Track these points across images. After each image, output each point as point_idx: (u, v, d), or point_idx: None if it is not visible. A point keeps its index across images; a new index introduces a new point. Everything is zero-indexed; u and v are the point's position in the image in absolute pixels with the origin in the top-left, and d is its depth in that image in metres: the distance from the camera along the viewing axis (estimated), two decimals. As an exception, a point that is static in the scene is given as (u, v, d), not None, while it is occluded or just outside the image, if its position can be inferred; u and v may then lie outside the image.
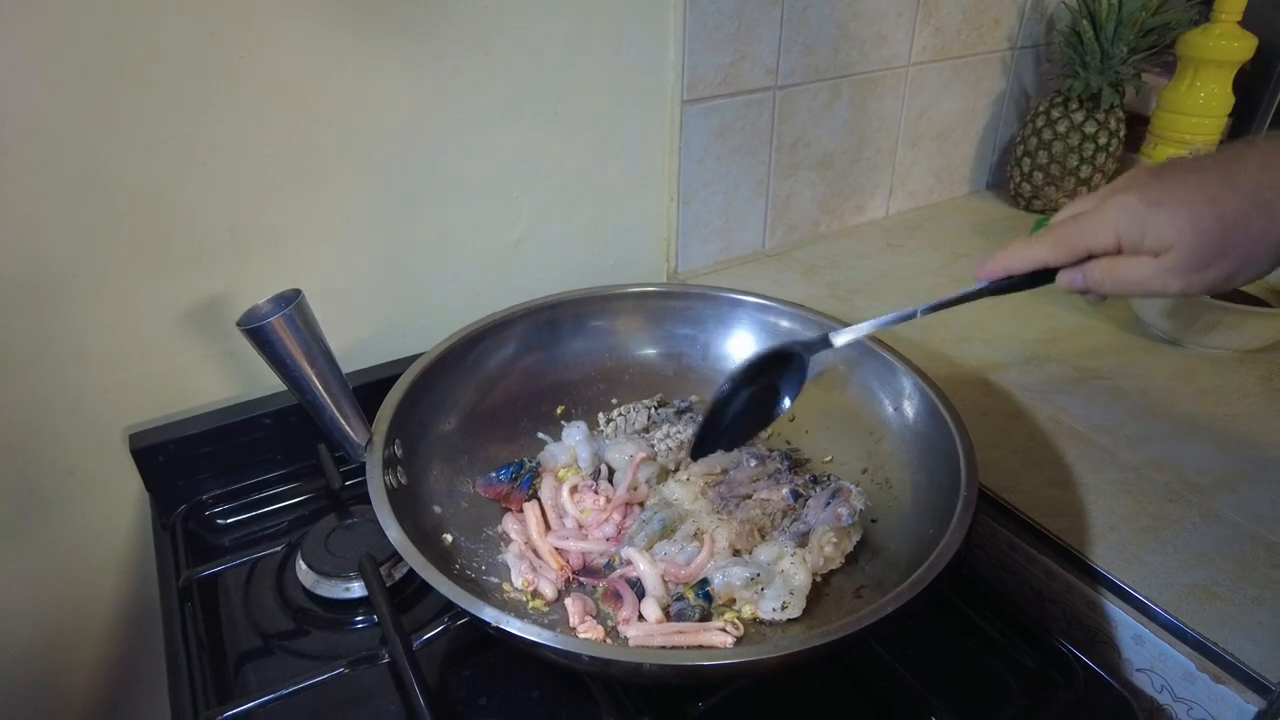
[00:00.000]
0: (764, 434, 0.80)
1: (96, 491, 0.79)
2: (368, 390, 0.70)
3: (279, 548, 0.72)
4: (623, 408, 0.81)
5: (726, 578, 0.61)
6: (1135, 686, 0.63)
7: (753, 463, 0.72)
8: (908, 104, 1.15)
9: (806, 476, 0.71)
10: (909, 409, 0.72)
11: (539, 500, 0.71)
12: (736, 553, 0.64)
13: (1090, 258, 0.54)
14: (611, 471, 0.74)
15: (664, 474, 0.74)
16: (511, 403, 0.78)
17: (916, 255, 1.12)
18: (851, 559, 0.66)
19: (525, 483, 0.71)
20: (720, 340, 0.84)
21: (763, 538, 0.65)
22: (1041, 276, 0.57)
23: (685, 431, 0.75)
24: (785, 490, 0.69)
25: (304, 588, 0.69)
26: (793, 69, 1.00)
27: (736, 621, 0.60)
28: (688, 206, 1.01)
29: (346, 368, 0.83)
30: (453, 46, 0.78)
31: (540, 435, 0.79)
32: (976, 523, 0.71)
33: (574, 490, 0.70)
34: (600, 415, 0.81)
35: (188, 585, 0.68)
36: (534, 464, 0.73)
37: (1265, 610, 0.59)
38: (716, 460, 0.71)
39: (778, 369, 0.65)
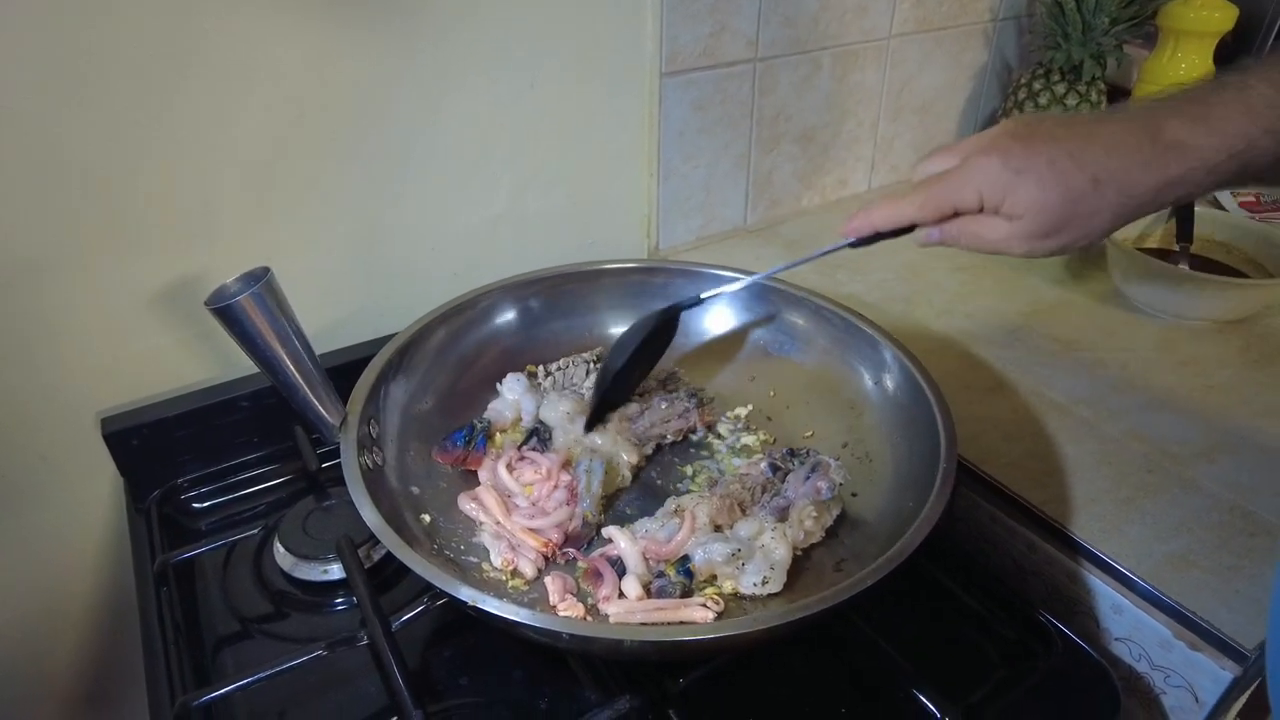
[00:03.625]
0: (684, 376, 0.83)
1: (70, 477, 0.78)
2: (346, 371, 0.69)
3: (256, 531, 0.72)
4: (561, 361, 0.80)
5: (707, 554, 0.61)
6: (1114, 655, 0.64)
7: (663, 404, 0.75)
8: (889, 77, 1.14)
9: (784, 450, 0.70)
10: (889, 382, 0.72)
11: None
12: (718, 528, 0.64)
13: (953, 215, 0.57)
14: (550, 430, 0.73)
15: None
16: (490, 381, 0.77)
17: (898, 230, 1.12)
18: (831, 532, 0.66)
19: (480, 443, 0.71)
20: (700, 316, 0.83)
21: (743, 513, 0.65)
22: (902, 230, 0.59)
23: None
24: (764, 464, 0.69)
25: (282, 570, 0.68)
26: (773, 40, 0.99)
27: (717, 597, 0.59)
28: (668, 182, 1.00)
29: (324, 348, 0.82)
30: (425, 19, 0.77)
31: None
32: (958, 496, 0.71)
33: (510, 466, 0.69)
34: (540, 368, 0.80)
35: (163, 569, 0.67)
36: (484, 424, 0.73)
37: (1242, 578, 0.60)
38: (631, 405, 0.75)
39: (656, 332, 0.71)
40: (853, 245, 0.62)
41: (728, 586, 0.61)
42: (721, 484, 0.67)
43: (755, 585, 0.60)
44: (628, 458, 0.71)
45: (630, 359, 0.69)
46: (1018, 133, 0.54)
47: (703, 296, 0.71)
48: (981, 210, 0.55)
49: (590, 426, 0.72)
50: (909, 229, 0.59)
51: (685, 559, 0.61)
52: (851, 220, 0.61)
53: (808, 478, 0.65)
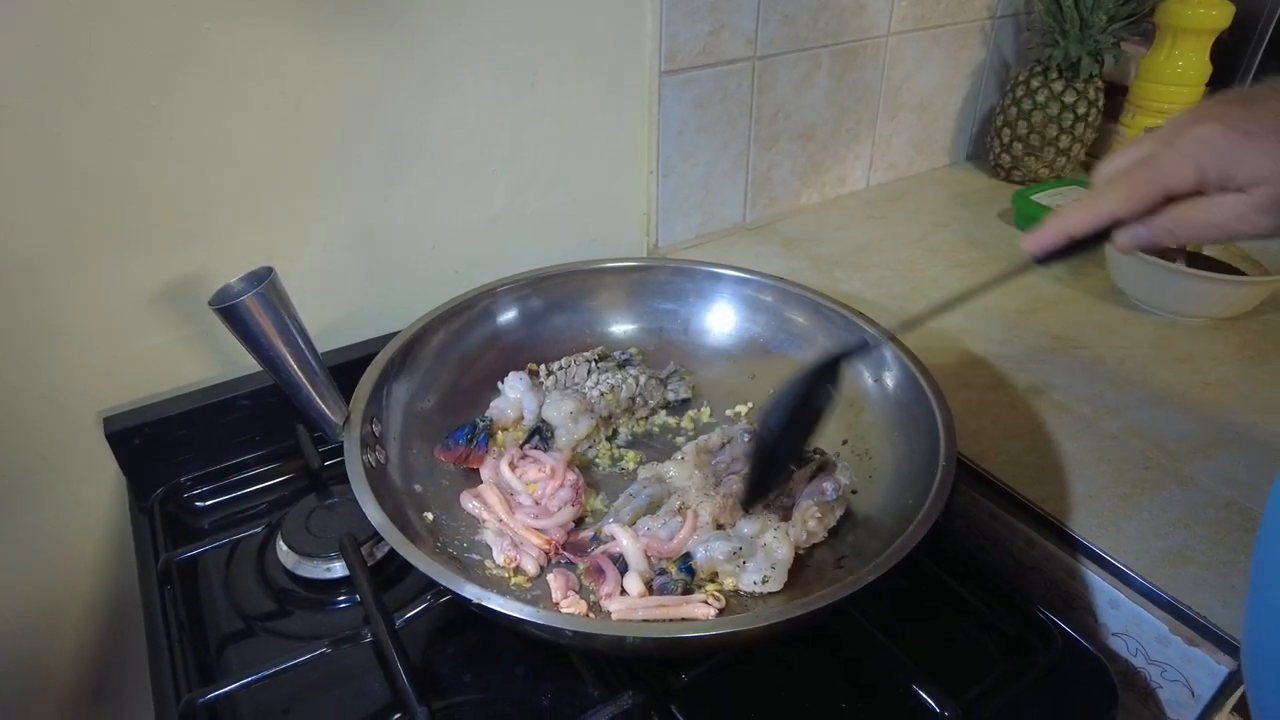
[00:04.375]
0: (689, 374, 0.81)
1: (72, 477, 0.78)
2: (348, 369, 0.69)
3: (259, 529, 0.72)
4: (563, 360, 0.80)
5: (709, 551, 0.61)
6: (1111, 650, 0.64)
7: (746, 437, 0.72)
8: (887, 74, 1.14)
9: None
10: (889, 380, 0.73)
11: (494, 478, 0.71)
12: (720, 527, 0.64)
13: (1164, 204, 0.49)
14: (552, 430, 0.73)
15: (602, 423, 0.75)
16: (492, 380, 0.78)
17: (897, 227, 1.12)
18: (833, 530, 0.66)
19: (482, 441, 0.71)
20: (700, 314, 0.84)
21: (746, 511, 0.66)
22: (1099, 237, 0.51)
23: (616, 379, 0.76)
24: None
25: (285, 568, 0.68)
26: (772, 38, 0.99)
27: (718, 594, 0.60)
28: (667, 179, 1.00)
29: (325, 346, 0.82)
30: (424, 16, 0.77)
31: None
32: (957, 493, 0.71)
33: (512, 465, 0.70)
34: (542, 367, 0.80)
35: (167, 568, 0.67)
36: (486, 421, 0.73)
37: (1238, 574, 0.60)
38: (711, 436, 0.72)
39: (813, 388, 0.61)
40: (1041, 262, 0.54)
41: (729, 584, 0.61)
42: (725, 483, 0.68)
43: (756, 583, 0.60)
44: (689, 502, 0.66)
45: (789, 419, 0.59)
46: (1231, 99, 0.47)
47: (873, 341, 0.63)
48: (1198, 192, 0.48)
49: (749, 504, 0.64)
50: (1105, 235, 0.51)
51: (687, 556, 0.62)
52: (1039, 232, 0.53)
53: (813, 477, 0.66)
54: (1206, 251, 0.97)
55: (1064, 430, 0.74)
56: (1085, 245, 0.52)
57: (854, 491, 0.69)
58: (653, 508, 0.66)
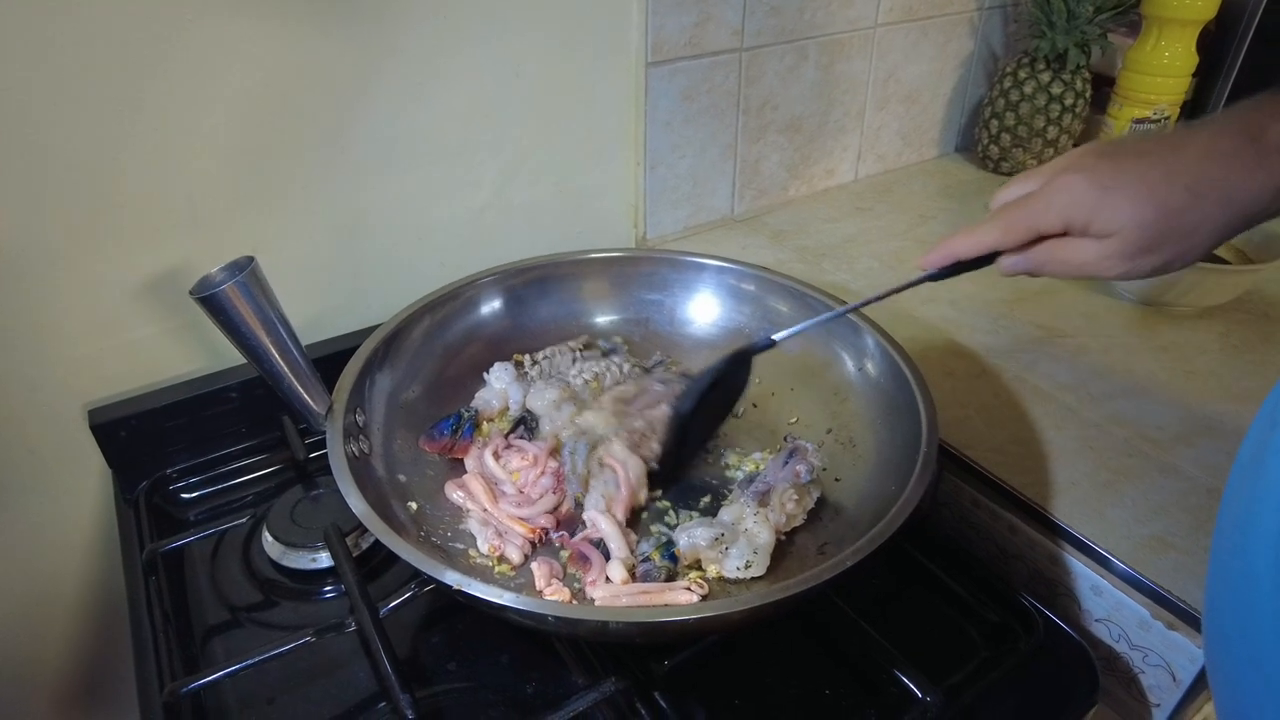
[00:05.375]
0: (676, 364, 0.82)
1: (59, 470, 0.78)
2: (333, 360, 0.69)
3: (245, 520, 0.72)
4: (547, 350, 0.80)
5: (691, 539, 0.61)
6: (1094, 636, 0.64)
7: (659, 387, 0.75)
8: (875, 66, 1.14)
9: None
10: (872, 368, 0.73)
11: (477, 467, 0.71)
12: (644, 460, 0.67)
13: (1038, 240, 0.54)
14: (537, 419, 0.74)
15: (584, 408, 0.75)
16: (477, 370, 0.78)
17: (885, 219, 1.12)
18: (815, 517, 0.66)
19: (467, 431, 0.72)
20: (685, 304, 0.84)
21: (661, 489, 0.68)
22: (984, 260, 0.57)
23: (600, 367, 0.77)
24: (664, 406, 0.71)
25: (270, 559, 0.69)
26: (758, 30, 0.99)
27: (701, 581, 0.60)
28: (655, 171, 1.00)
29: (311, 338, 0.83)
30: (409, 7, 0.76)
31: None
32: (942, 481, 0.72)
33: (496, 454, 0.70)
34: (526, 357, 0.80)
35: (152, 559, 0.67)
36: (472, 412, 0.73)
37: (1219, 559, 0.61)
38: (626, 387, 0.75)
39: (726, 376, 0.65)
40: (933, 278, 0.59)
41: (712, 571, 0.62)
42: (626, 421, 0.70)
43: (739, 569, 0.61)
44: (617, 439, 0.70)
45: (698, 404, 0.63)
46: (1103, 151, 0.51)
47: (775, 338, 0.64)
48: (1066, 233, 0.52)
49: (662, 483, 0.68)
50: (991, 258, 0.56)
51: (670, 543, 0.62)
52: (931, 252, 0.58)
53: (786, 462, 0.66)
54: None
55: (1047, 418, 0.75)
56: (972, 265, 0.57)
57: (837, 479, 0.69)
58: (592, 452, 0.69)
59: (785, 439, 0.70)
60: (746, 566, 0.61)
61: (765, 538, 0.61)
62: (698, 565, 0.63)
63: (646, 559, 0.61)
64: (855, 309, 0.66)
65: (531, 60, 0.86)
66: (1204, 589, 0.58)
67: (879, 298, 0.62)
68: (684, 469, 0.71)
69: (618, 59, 0.92)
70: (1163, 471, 0.69)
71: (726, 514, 0.64)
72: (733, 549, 0.61)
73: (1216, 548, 0.43)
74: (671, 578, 0.61)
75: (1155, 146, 0.50)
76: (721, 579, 0.62)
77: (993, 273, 0.99)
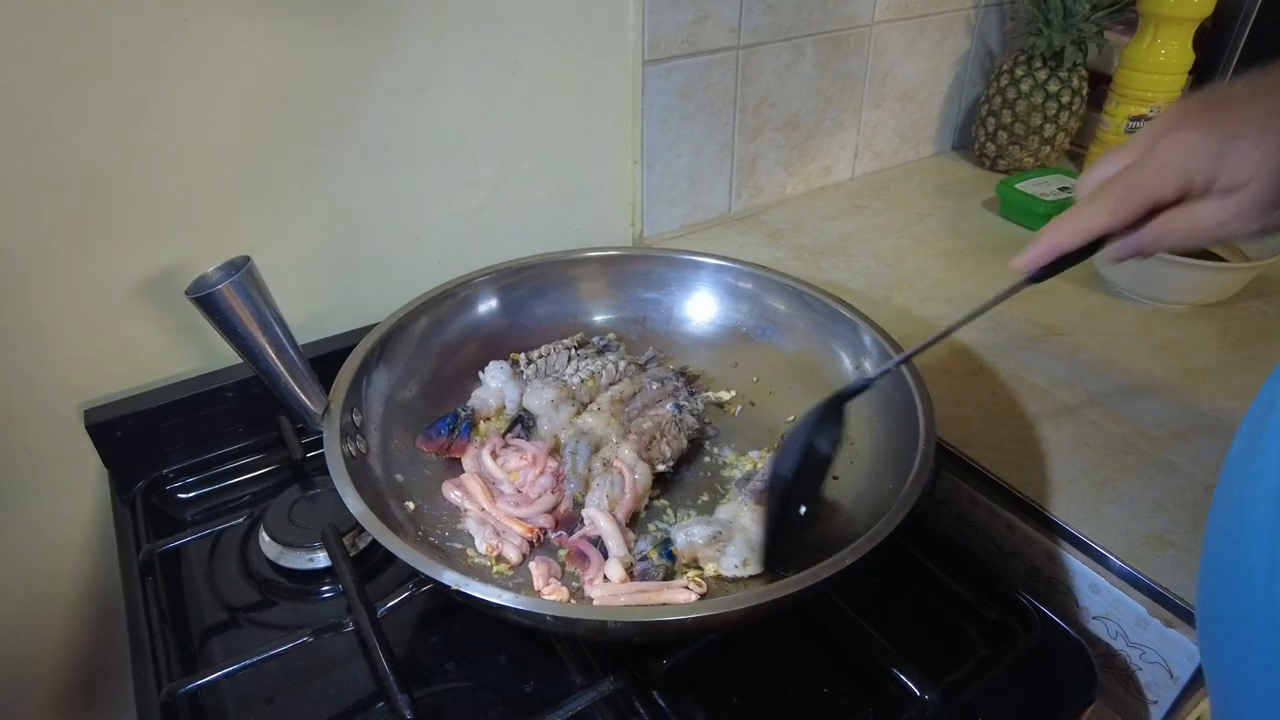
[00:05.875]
0: (670, 360, 0.83)
1: (56, 469, 0.78)
2: (330, 360, 0.69)
3: (242, 520, 0.71)
4: (543, 348, 0.80)
5: (689, 537, 0.61)
6: (1091, 634, 0.64)
7: (655, 385, 0.75)
8: (872, 64, 1.14)
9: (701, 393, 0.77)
10: (869, 366, 0.73)
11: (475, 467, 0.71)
12: (650, 464, 0.67)
13: (1150, 214, 0.49)
14: (534, 418, 0.74)
15: (583, 410, 0.75)
16: (474, 369, 0.78)
17: (882, 216, 1.12)
18: (813, 515, 0.66)
19: (464, 431, 0.71)
20: (683, 303, 0.84)
21: (665, 441, 0.68)
22: (1090, 249, 0.51)
23: (596, 365, 0.77)
24: (669, 405, 0.72)
25: (268, 559, 0.68)
26: (755, 28, 0.99)
27: (699, 580, 0.60)
28: (652, 170, 1.00)
29: (308, 337, 0.82)
30: (406, 7, 0.76)
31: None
32: (940, 480, 0.72)
33: (494, 454, 0.70)
34: (522, 356, 0.80)
35: (149, 559, 0.67)
36: (469, 412, 0.73)
37: (1216, 556, 0.61)
38: (621, 387, 0.75)
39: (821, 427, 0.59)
40: (1034, 280, 0.53)
41: (710, 569, 0.62)
42: (634, 424, 0.70)
43: (736, 567, 0.61)
44: (618, 439, 0.70)
45: (799, 463, 0.57)
46: (1208, 102, 0.47)
47: (871, 376, 0.61)
48: (1182, 200, 0.47)
49: (770, 563, 0.61)
50: (1096, 247, 0.51)
51: (667, 542, 0.62)
52: (1029, 250, 0.52)
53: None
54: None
55: (1045, 416, 0.75)
56: (1075, 258, 0.52)
57: (835, 478, 0.69)
58: (594, 453, 0.69)
59: (782, 437, 0.70)
60: (744, 564, 0.61)
61: (760, 535, 0.61)
62: (695, 564, 0.63)
63: (644, 557, 0.61)
64: (954, 330, 0.59)
65: (529, 59, 0.86)
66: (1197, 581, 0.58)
67: (975, 315, 0.57)
68: (794, 538, 0.60)
69: (615, 57, 0.92)
70: (1160, 469, 0.69)
71: (723, 512, 0.64)
72: (730, 547, 0.61)
73: (1210, 538, 0.43)
74: (669, 576, 0.61)
75: (1264, 93, 0.45)
76: (719, 577, 0.62)
77: (990, 270, 0.99)
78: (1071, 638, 0.61)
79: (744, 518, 0.62)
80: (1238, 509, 0.40)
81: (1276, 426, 0.38)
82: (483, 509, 0.65)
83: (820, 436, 0.58)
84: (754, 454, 0.73)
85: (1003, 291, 0.55)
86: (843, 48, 1.09)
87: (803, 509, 0.59)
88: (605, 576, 0.60)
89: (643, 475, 0.66)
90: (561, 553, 0.64)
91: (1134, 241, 0.50)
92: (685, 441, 0.71)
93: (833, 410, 0.59)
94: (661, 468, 0.69)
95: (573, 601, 0.60)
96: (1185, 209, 0.47)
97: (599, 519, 0.62)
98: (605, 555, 0.61)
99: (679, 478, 0.72)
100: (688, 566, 0.62)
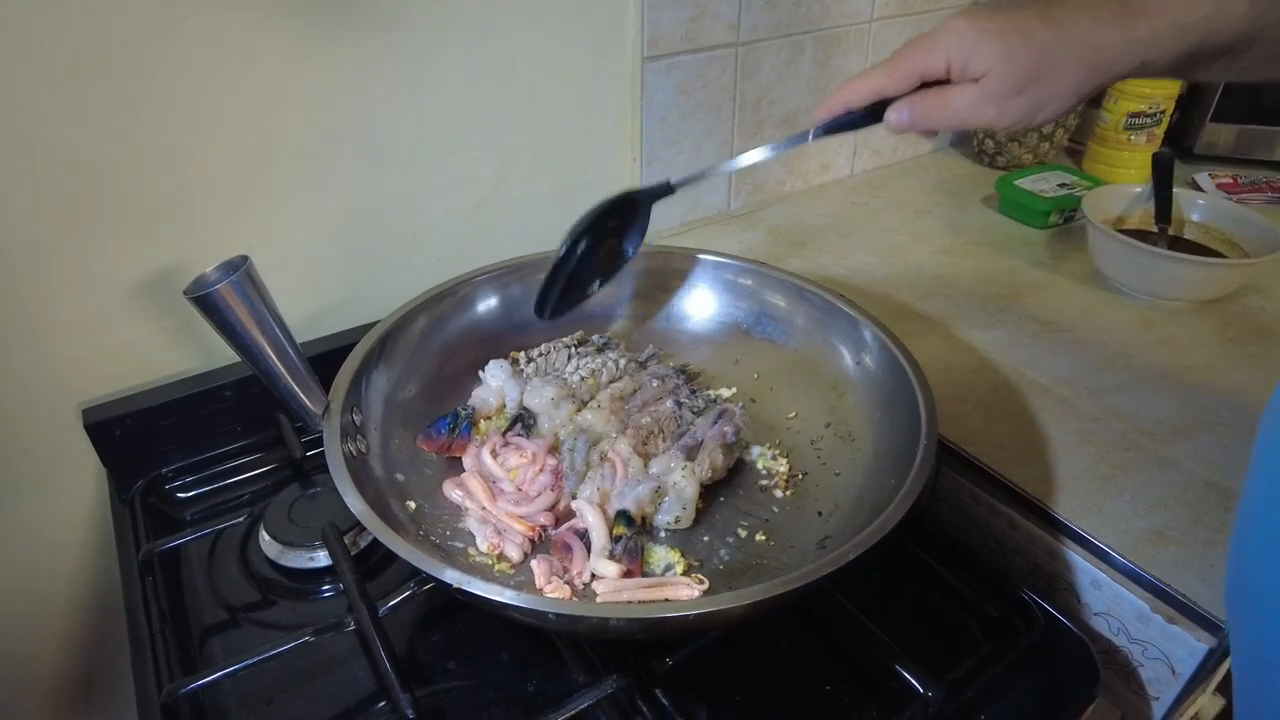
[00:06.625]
0: (670, 358, 0.83)
1: (54, 469, 0.77)
2: (330, 359, 0.69)
3: (241, 519, 0.71)
4: (543, 346, 0.80)
5: (636, 497, 0.64)
6: (1093, 630, 0.64)
7: (655, 382, 0.76)
8: (871, 60, 1.14)
9: (685, 381, 0.78)
10: (870, 362, 0.73)
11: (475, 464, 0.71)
12: (646, 458, 0.68)
13: (921, 87, 0.56)
14: (534, 417, 0.74)
15: (582, 407, 0.75)
16: (474, 368, 0.77)
17: (880, 213, 1.12)
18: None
19: (465, 429, 0.71)
20: (681, 299, 0.84)
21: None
22: (873, 114, 0.58)
23: (596, 363, 0.78)
24: (669, 402, 0.73)
25: (268, 558, 0.68)
26: (754, 24, 0.99)
27: (701, 576, 0.60)
28: (651, 166, 1.00)
29: (307, 336, 0.82)
30: (404, 5, 0.76)
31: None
32: (941, 477, 0.72)
33: (494, 452, 0.70)
34: (522, 355, 0.80)
35: (148, 559, 0.67)
36: (469, 411, 0.73)
37: (1217, 553, 0.61)
38: (621, 384, 0.76)
39: (618, 221, 0.69)
40: (826, 131, 0.61)
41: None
42: (634, 420, 0.72)
43: (669, 522, 0.64)
44: (616, 435, 0.71)
45: (583, 237, 0.68)
46: (992, 8, 0.54)
47: (672, 182, 0.68)
48: (949, 80, 0.55)
49: (539, 309, 0.71)
50: (879, 113, 0.58)
51: (623, 511, 0.63)
52: (826, 104, 0.60)
53: (715, 422, 0.69)
54: (1188, 236, 0.98)
55: (1046, 413, 0.75)
56: (862, 120, 0.59)
57: (836, 474, 0.69)
58: (592, 448, 0.70)
59: (714, 401, 0.74)
60: (676, 521, 0.64)
61: (691, 491, 0.64)
62: (645, 520, 0.65)
63: (618, 539, 0.62)
64: (731, 170, 0.69)
65: (528, 56, 0.85)
66: (1205, 582, 0.58)
67: (758, 160, 0.65)
68: (564, 304, 0.72)
69: (614, 54, 0.91)
70: (1161, 465, 0.69)
71: (655, 465, 0.67)
72: (665, 502, 0.64)
73: (1246, 508, 0.44)
74: (644, 547, 0.62)
75: (1034, 2, 0.53)
76: (719, 570, 0.62)
77: (989, 268, 0.99)
78: (1073, 634, 0.61)
79: (675, 473, 0.65)
80: None
81: None
82: (484, 508, 0.65)
83: (630, 232, 0.70)
84: (755, 450, 0.73)
85: (790, 136, 0.63)
86: (842, 44, 1.09)
87: (598, 282, 0.73)
88: (595, 574, 0.61)
89: (636, 471, 0.67)
90: (550, 539, 0.64)
91: (905, 114, 0.57)
92: (734, 456, 0.71)
93: (630, 204, 0.69)
94: (709, 478, 0.68)
95: (575, 599, 0.59)
96: (947, 89, 0.55)
97: (587, 512, 0.63)
98: (589, 548, 0.62)
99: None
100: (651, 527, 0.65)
